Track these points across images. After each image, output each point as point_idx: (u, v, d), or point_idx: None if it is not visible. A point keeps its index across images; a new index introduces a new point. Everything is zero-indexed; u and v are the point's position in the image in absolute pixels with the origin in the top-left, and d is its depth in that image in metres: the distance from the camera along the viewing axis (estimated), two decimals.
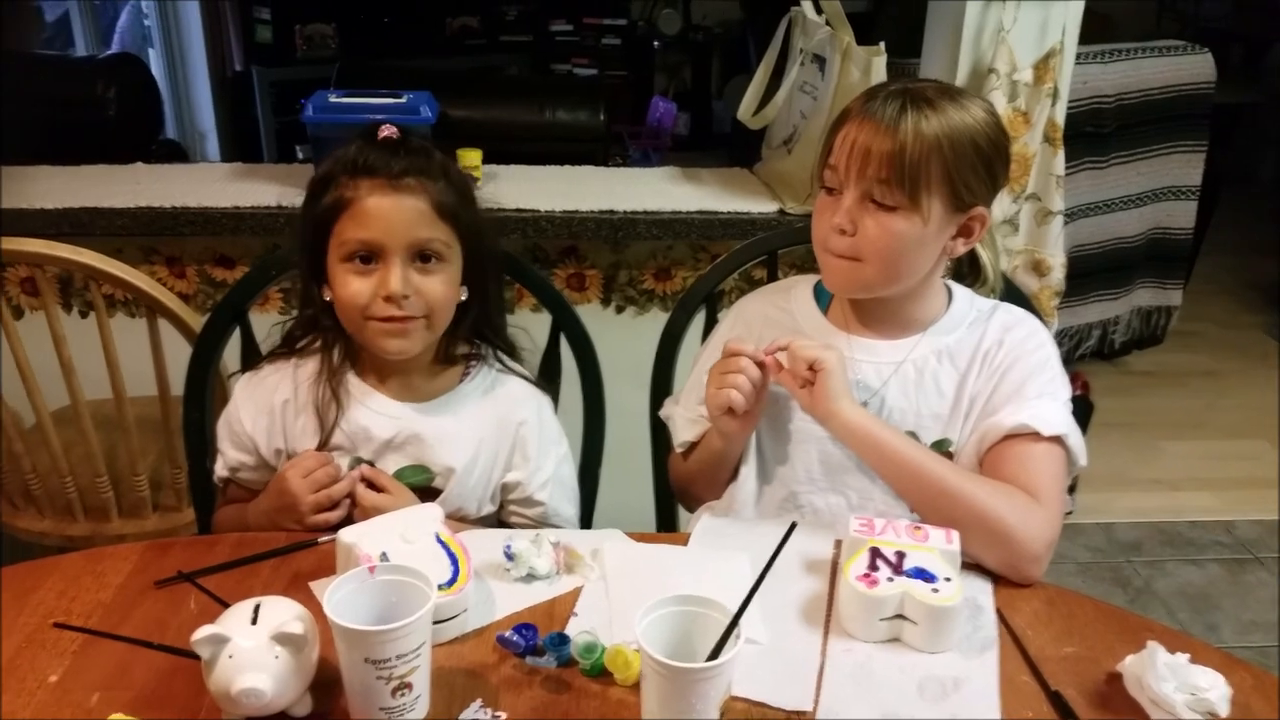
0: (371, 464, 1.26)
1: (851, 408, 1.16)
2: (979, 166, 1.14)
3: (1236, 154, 3.93)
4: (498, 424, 1.30)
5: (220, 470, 1.30)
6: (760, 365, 1.18)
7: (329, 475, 1.20)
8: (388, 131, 1.21)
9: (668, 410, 1.38)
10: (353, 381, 1.27)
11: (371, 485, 1.24)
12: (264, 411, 1.27)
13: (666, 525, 1.53)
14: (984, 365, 1.21)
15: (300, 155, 3.97)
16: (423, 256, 1.19)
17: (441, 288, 1.20)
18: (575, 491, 1.39)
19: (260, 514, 1.23)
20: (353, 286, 1.18)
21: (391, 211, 1.17)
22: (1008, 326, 1.23)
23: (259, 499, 1.25)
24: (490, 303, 1.33)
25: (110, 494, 1.75)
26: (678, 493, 1.42)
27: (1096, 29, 2.81)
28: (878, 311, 1.24)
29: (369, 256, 1.18)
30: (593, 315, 2.19)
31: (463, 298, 1.26)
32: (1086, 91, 3.10)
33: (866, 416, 1.16)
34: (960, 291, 1.28)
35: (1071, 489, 2.78)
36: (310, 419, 1.25)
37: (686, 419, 1.32)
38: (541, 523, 1.33)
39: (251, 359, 1.36)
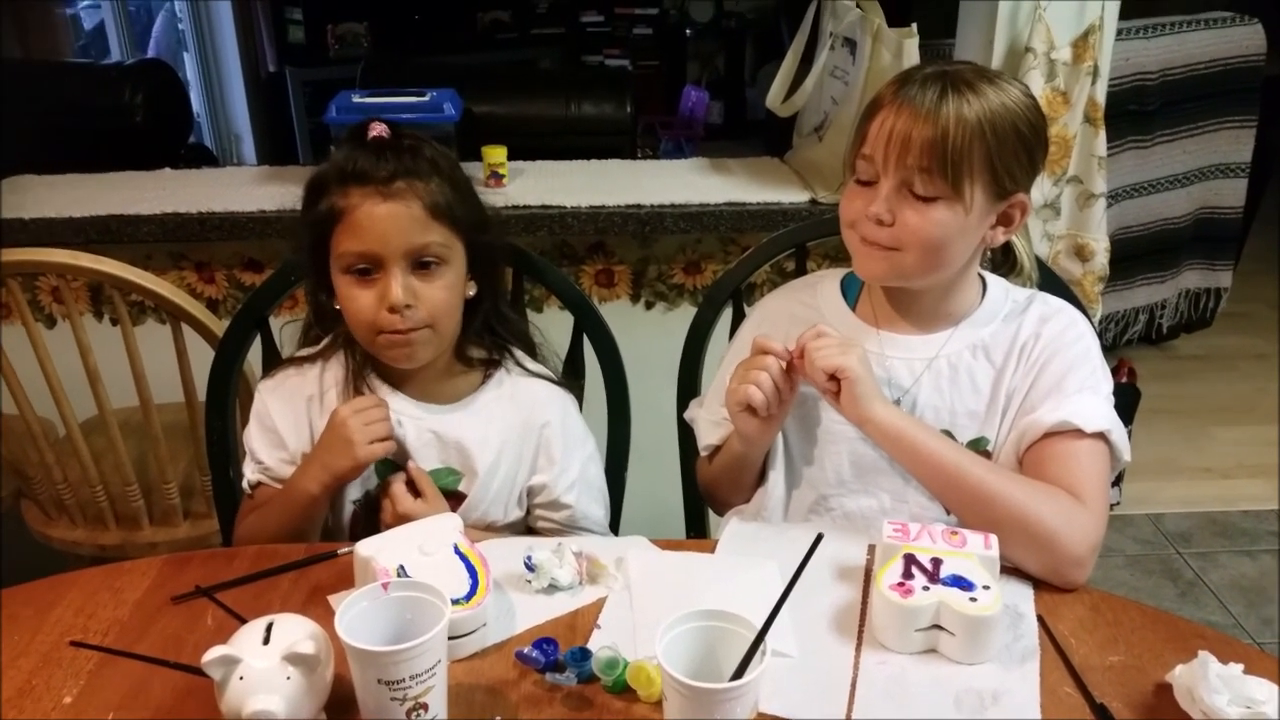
0: (400, 466, 1.24)
1: (884, 410, 1.11)
2: (1020, 152, 1.10)
3: None
4: (522, 426, 1.28)
5: (251, 475, 1.26)
6: (788, 366, 1.13)
7: (380, 411, 1.19)
8: (378, 130, 1.17)
9: (692, 413, 1.34)
10: (375, 384, 1.25)
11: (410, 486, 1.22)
12: (292, 409, 1.25)
13: (696, 525, 1.50)
14: (1020, 359, 1.16)
15: None
16: (421, 263, 1.16)
17: (444, 294, 1.18)
18: (604, 492, 1.36)
19: (304, 468, 1.19)
20: (357, 301, 1.16)
21: (385, 221, 1.13)
22: (1045, 318, 1.18)
23: (300, 466, 1.22)
24: (500, 297, 1.31)
25: (141, 503, 1.75)
26: (705, 496, 1.38)
27: (1140, 3, 2.73)
28: (910, 305, 1.20)
29: (368, 269, 1.15)
30: (622, 312, 2.16)
31: (470, 293, 1.24)
32: (1129, 68, 3.01)
33: (901, 418, 1.12)
34: (995, 282, 1.23)
35: (1118, 480, 2.71)
36: None
37: (710, 421, 1.29)
38: (569, 525, 1.30)
39: (273, 365, 1.34)
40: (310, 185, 1.18)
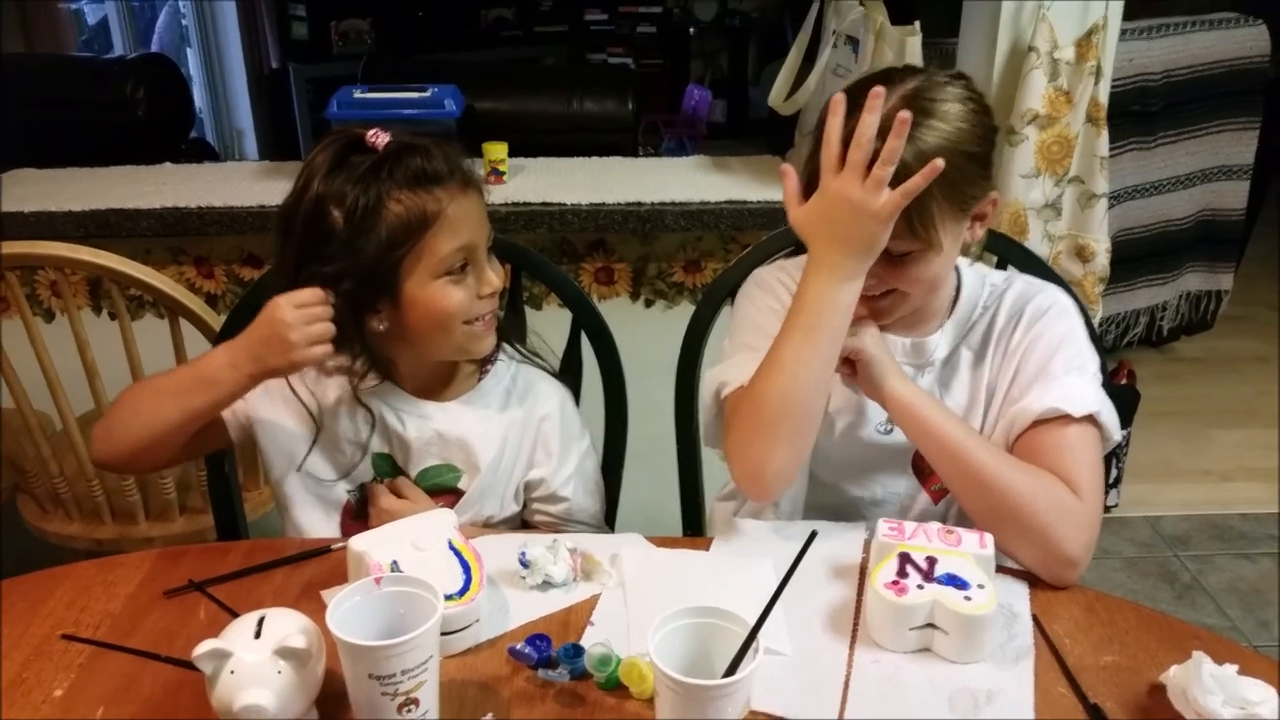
0: (393, 458, 1.24)
1: (901, 385, 1.10)
2: (975, 170, 1.07)
3: None
4: (521, 420, 1.28)
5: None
6: None
7: (323, 310, 1.10)
8: (383, 136, 1.14)
9: (715, 382, 1.20)
10: (375, 385, 1.24)
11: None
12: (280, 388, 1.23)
13: (692, 523, 1.50)
14: (999, 347, 1.17)
15: None
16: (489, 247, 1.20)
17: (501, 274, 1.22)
18: (599, 486, 1.37)
19: (230, 350, 1.11)
20: (454, 298, 1.15)
21: (474, 211, 1.16)
22: (1026, 298, 1.18)
23: (236, 339, 1.12)
24: None
25: (137, 497, 1.75)
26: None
27: (1144, 3, 2.72)
28: None
29: (465, 263, 1.15)
30: (621, 309, 2.15)
31: None
32: (1132, 69, 3.00)
33: (917, 394, 1.11)
34: (966, 268, 1.23)
35: (1116, 482, 2.70)
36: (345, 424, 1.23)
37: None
38: (565, 519, 1.31)
39: None
40: (362, 207, 1.10)
